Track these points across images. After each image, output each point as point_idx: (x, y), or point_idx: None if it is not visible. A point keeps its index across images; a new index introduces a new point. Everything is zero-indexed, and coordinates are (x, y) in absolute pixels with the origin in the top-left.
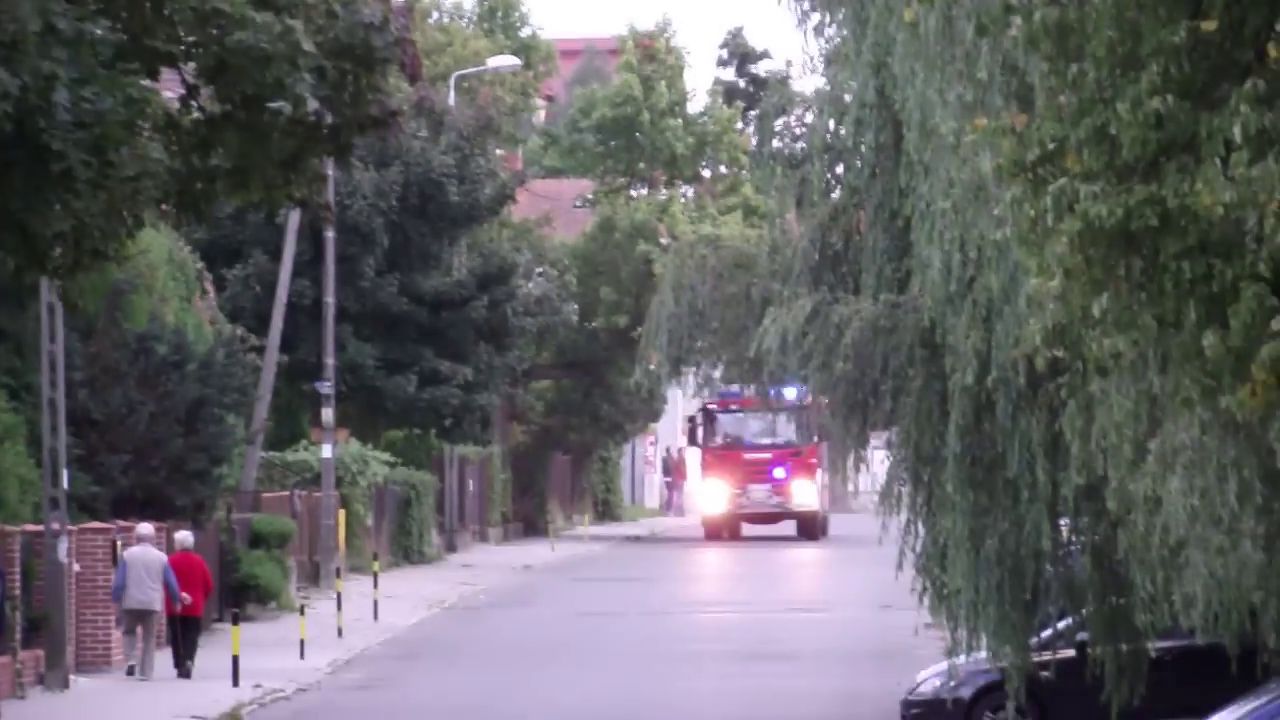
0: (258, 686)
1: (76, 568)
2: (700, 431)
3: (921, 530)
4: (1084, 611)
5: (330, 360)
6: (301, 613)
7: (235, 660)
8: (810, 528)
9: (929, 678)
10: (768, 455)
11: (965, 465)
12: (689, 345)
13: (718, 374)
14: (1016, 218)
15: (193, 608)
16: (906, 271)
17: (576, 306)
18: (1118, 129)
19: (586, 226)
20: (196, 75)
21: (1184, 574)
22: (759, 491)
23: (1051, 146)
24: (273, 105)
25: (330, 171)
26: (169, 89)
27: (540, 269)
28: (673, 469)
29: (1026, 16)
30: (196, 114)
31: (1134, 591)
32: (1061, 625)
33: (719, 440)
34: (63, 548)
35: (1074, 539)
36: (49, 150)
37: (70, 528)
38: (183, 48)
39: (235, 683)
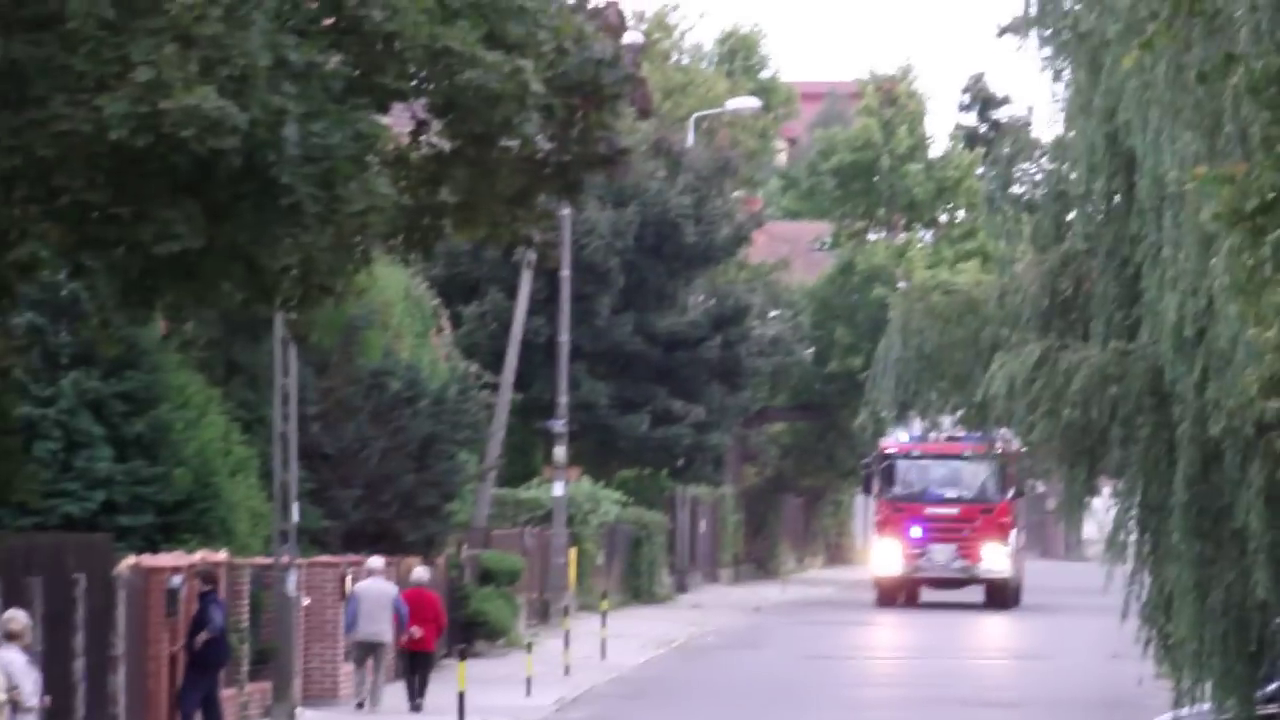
0: None
1: (306, 601)
2: (876, 479)
3: (1147, 579)
4: None
5: (563, 398)
6: (529, 650)
7: (461, 696)
8: (1001, 595)
9: None
10: (954, 510)
11: (1192, 515)
12: (915, 389)
13: (945, 419)
14: (1234, 266)
15: (424, 642)
16: (1136, 319)
17: (812, 348)
18: None
19: (824, 269)
20: (426, 111)
21: None
22: (942, 552)
23: (1270, 195)
24: (502, 143)
25: (565, 210)
26: (398, 124)
27: (774, 311)
28: None
29: (1247, 65)
30: (426, 149)
31: None
32: None
33: (898, 490)
34: (291, 581)
35: None
36: (278, 184)
37: (300, 561)
38: (413, 84)
39: (461, 718)
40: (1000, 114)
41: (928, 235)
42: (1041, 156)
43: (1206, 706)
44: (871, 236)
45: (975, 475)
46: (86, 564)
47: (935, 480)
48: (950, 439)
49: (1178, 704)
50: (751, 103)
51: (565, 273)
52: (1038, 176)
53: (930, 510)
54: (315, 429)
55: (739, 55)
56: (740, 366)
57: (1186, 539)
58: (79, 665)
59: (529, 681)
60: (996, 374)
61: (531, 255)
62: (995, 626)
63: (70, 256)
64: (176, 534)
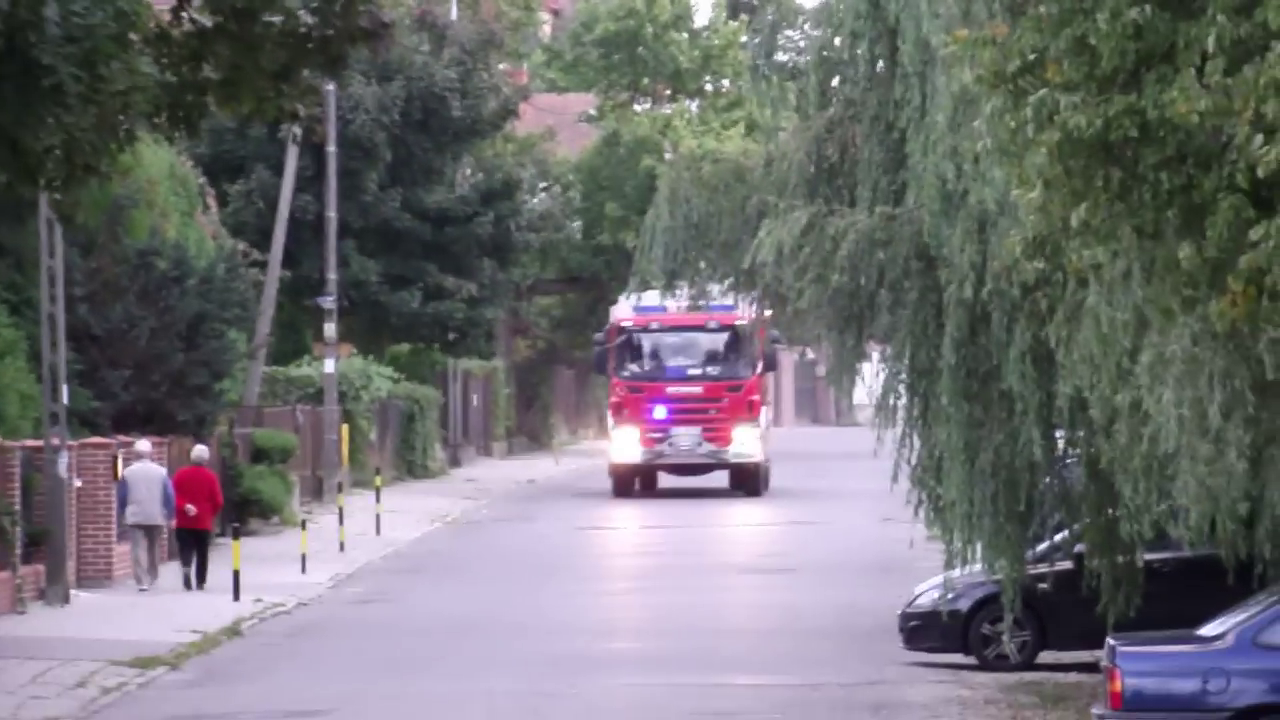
0: (258, 600)
1: (77, 483)
2: (610, 355)
3: (917, 443)
4: (1080, 523)
5: (332, 275)
6: (303, 527)
7: (236, 574)
8: (749, 481)
9: (927, 590)
10: (698, 388)
11: (960, 377)
12: (684, 258)
13: (714, 287)
14: (997, 129)
15: (200, 520)
16: (902, 184)
17: (580, 222)
18: (1097, 39)
19: (591, 142)
20: None
21: (1172, 485)
22: (685, 435)
23: (1032, 57)
24: (264, 17)
25: (331, 86)
26: (159, 1)
27: (544, 184)
28: None
29: None
30: (187, 26)
31: (1119, 503)
32: (1059, 538)
33: (634, 368)
34: (63, 463)
35: (1070, 450)
36: (39, 65)
37: (71, 443)
38: None
39: (236, 596)
40: None
41: (694, 105)
42: (806, 23)
43: (978, 567)
44: (637, 108)
45: (721, 349)
46: None
47: (676, 356)
48: (691, 308)
49: (949, 565)
50: None
51: (331, 149)
52: (802, 43)
53: (671, 389)
54: (83, 310)
55: None
56: (510, 241)
57: (955, 401)
58: None
59: (304, 558)
60: (764, 241)
61: (297, 131)
62: (776, 494)
63: None
64: None
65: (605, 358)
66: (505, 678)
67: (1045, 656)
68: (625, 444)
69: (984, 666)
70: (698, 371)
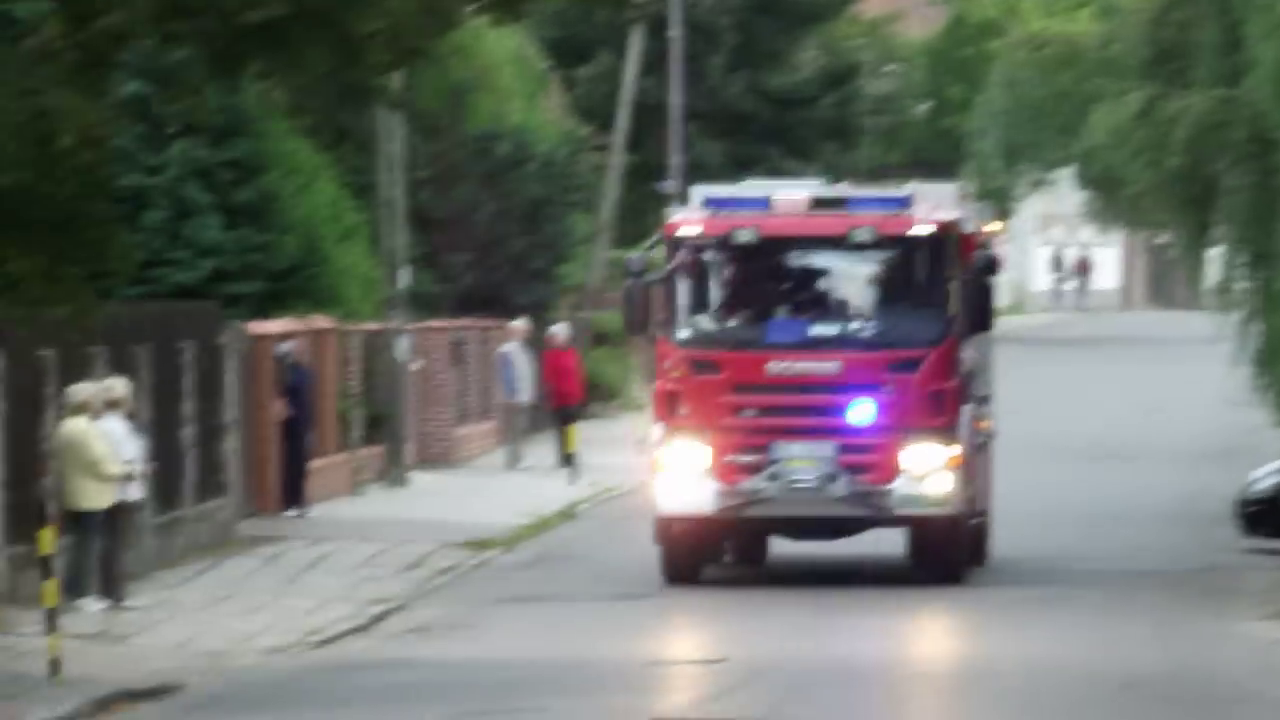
0: (593, 484)
1: (417, 365)
2: (658, 298)
3: (1258, 327)
4: None
5: (676, 159)
6: (642, 411)
7: (570, 457)
8: (942, 551)
9: (1265, 476)
10: (831, 364)
11: None
12: (1020, 141)
13: (1051, 173)
14: None
15: (567, 398)
16: (1239, 66)
17: (926, 104)
18: None
19: (939, 24)
20: None
21: None
22: (806, 460)
23: None
24: None
25: None
26: None
27: (888, 67)
28: (1074, 267)
29: None
30: None
31: None
32: None
33: (705, 323)
34: (402, 346)
35: None
36: None
37: (410, 326)
38: None
39: (572, 480)
40: None
41: None
42: None
43: None
44: None
45: (881, 286)
46: (194, 332)
47: (789, 299)
48: (818, 200)
49: None
50: None
51: (675, 33)
52: None
53: (777, 366)
54: (425, 194)
55: None
56: (853, 125)
57: None
58: (187, 433)
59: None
60: (1097, 124)
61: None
62: (1117, 378)
63: (159, 24)
64: (286, 300)
65: (644, 301)
66: None
67: None
68: (684, 477)
69: None
70: (831, 331)
